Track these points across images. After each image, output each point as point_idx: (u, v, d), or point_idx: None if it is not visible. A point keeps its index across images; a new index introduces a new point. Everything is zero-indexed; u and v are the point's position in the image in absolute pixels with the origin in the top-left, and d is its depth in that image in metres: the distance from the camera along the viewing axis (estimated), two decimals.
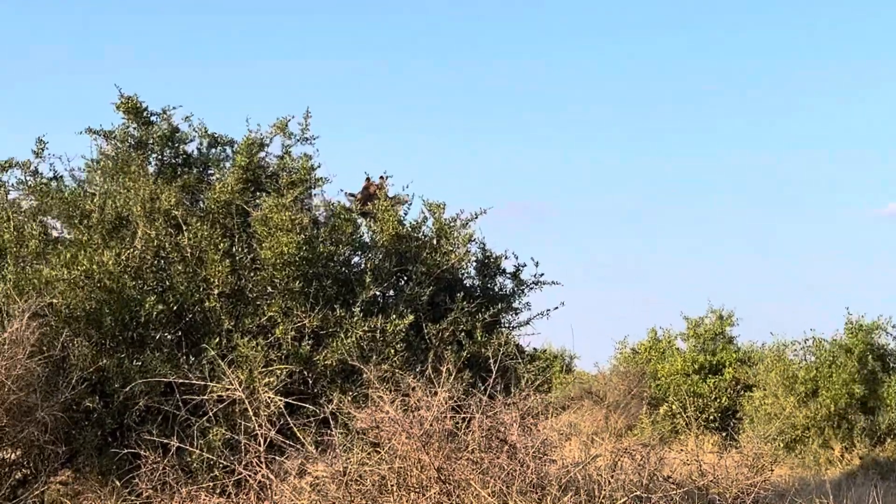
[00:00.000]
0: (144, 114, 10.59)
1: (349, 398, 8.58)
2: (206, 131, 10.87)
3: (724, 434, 19.30)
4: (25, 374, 8.13)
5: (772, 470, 8.36)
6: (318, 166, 10.46)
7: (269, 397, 8.40)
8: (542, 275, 10.81)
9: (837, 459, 17.71)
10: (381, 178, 11.10)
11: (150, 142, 10.61)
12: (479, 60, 44.54)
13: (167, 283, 9.50)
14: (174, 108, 10.69)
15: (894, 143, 42.38)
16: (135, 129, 10.60)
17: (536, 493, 6.58)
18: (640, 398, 21.36)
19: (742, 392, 21.01)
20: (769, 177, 44.29)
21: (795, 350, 19.26)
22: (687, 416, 20.32)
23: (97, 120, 11.52)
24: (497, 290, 10.82)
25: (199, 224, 9.55)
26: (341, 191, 11.05)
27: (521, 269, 10.85)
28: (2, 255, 9.84)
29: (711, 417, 20.90)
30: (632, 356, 23.10)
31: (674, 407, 21.10)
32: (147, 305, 9.10)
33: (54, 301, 8.92)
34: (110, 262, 9.09)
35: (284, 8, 43.43)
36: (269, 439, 7.27)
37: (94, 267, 9.01)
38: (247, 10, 43.05)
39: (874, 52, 42.88)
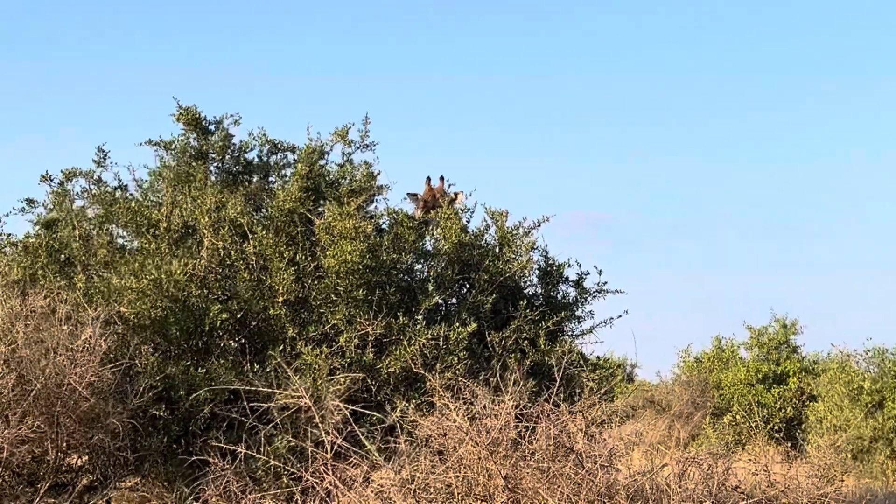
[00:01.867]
0: (203, 123, 10.69)
1: (413, 406, 8.58)
2: (265, 138, 10.95)
3: (789, 444, 19.03)
4: (97, 381, 8.23)
5: (842, 480, 8.22)
6: (379, 173, 10.49)
7: (335, 404, 8.41)
8: (606, 283, 10.73)
9: None
10: (442, 179, 11.11)
11: (211, 151, 10.71)
12: (542, 70, 44.47)
13: (232, 292, 9.56)
14: (230, 115, 10.79)
15: None
16: (194, 139, 10.70)
17: (604, 501, 6.51)
18: (703, 408, 21.12)
19: (807, 402, 20.71)
20: (825, 185, 43.75)
21: (858, 360, 18.96)
22: (754, 424, 20.07)
23: (156, 131, 11.66)
24: (560, 298, 10.74)
25: (263, 232, 9.61)
26: (404, 199, 11.05)
27: (585, 277, 10.77)
28: (70, 264, 9.98)
29: (776, 428, 20.62)
30: (695, 365, 22.85)
31: (738, 417, 20.85)
32: (212, 314, 9.17)
33: (123, 310, 9.02)
34: (178, 272, 9.17)
35: (340, 23, 43.66)
36: (334, 446, 7.28)
37: (163, 276, 9.10)
38: (297, 23, 43.37)
39: None
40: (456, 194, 11.01)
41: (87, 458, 9.12)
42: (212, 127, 10.76)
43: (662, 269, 42.47)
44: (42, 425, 8.14)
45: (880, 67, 43.35)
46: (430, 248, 10.39)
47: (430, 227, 10.52)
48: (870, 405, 17.95)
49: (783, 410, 21.01)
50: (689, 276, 43.16)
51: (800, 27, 44.34)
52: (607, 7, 44.70)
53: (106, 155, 10.61)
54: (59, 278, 9.60)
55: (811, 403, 20.13)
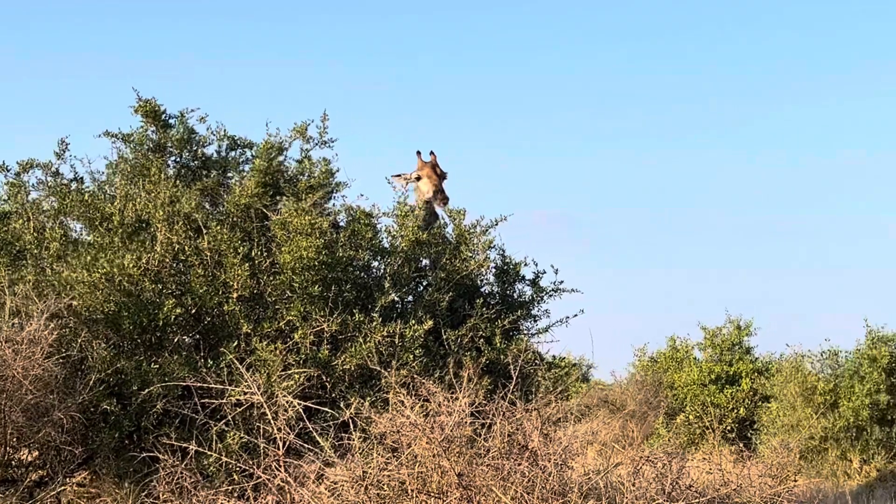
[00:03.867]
0: (163, 117, 10.60)
1: (368, 403, 8.54)
2: (225, 133, 10.88)
3: (741, 444, 19.20)
4: (43, 374, 8.11)
5: (795, 480, 8.28)
6: (337, 170, 10.46)
7: (287, 401, 8.35)
8: (562, 282, 10.74)
9: (855, 472, 17.59)
10: (433, 154, 11.18)
11: (169, 145, 10.62)
12: (505, 65, 44.48)
13: (186, 287, 9.47)
14: (192, 110, 10.71)
15: None
16: (153, 132, 10.61)
17: (558, 499, 6.52)
18: (657, 408, 21.26)
19: (760, 403, 20.89)
20: (786, 183, 44.15)
21: (812, 361, 19.14)
22: (707, 423, 20.22)
23: (119, 122, 11.57)
24: (516, 296, 10.76)
25: (218, 228, 9.53)
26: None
27: (541, 276, 10.78)
28: (21, 256, 9.85)
29: (729, 428, 20.80)
30: (650, 365, 23.00)
31: (691, 417, 21.01)
32: (166, 309, 9.08)
33: (73, 303, 8.91)
34: (130, 266, 9.07)
35: (292, 13, 43.41)
36: (287, 443, 7.23)
37: (115, 270, 9.00)
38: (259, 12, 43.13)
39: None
40: (433, 154, 11.16)
41: (37, 453, 9.01)
42: (172, 121, 10.67)
43: (623, 269, 42.67)
44: None
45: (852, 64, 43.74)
46: (386, 245, 10.36)
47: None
48: (823, 405, 18.13)
49: (736, 411, 21.19)
50: (651, 275, 43.43)
51: (764, 23, 44.64)
52: None
53: (66, 147, 10.49)
54: (10, 271, 9.46)
55: (764, 404, 20.31)
